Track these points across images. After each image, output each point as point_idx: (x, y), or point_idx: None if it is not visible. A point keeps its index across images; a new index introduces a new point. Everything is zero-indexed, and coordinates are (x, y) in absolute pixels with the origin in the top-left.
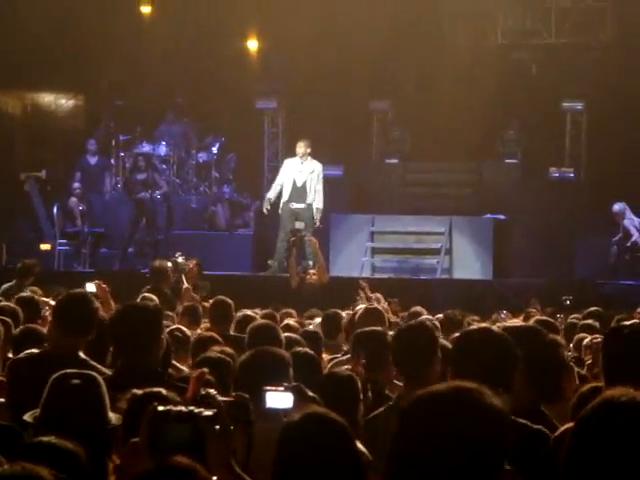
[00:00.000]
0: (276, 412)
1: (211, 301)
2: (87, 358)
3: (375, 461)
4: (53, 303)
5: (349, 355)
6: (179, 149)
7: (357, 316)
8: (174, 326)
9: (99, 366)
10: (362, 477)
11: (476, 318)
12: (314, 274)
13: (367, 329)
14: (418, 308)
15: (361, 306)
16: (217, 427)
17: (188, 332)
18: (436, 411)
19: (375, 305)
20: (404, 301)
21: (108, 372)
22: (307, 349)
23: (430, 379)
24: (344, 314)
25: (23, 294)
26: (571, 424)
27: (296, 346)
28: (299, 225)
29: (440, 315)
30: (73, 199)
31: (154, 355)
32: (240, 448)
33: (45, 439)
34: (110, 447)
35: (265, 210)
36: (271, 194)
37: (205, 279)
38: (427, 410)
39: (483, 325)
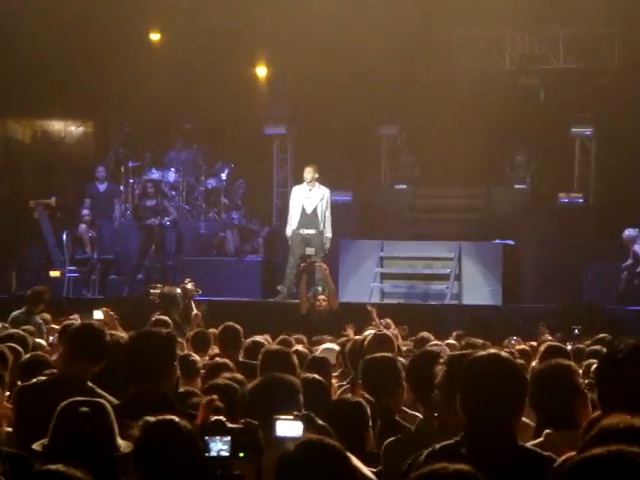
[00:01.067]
0: (286, 440)
1: (220, 327)
2: (94, 386)
3: None
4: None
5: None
6: (188, 175)
7: (366, 342)
8: (184, 352)
9: (105, 394)
10: None
11: (490, 346)
12: (324, 300)
13: (376, 355)
14: (425, 334)
15: (370, 331)
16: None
17: (198, 358)
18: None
19: (384, 331)
20: (413, 326)
21: (114, 400)
22: (315, 375)
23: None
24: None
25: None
26: (571, 453)
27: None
28: (309, 251)
29: (451, 340)
30: (83, 226)
31: (167, 382)
32: (250, 475)
33: (53, 467)
34: (119, 475)
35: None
36: (289, 230)
37: (209, 305)
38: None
39: (492, 350)
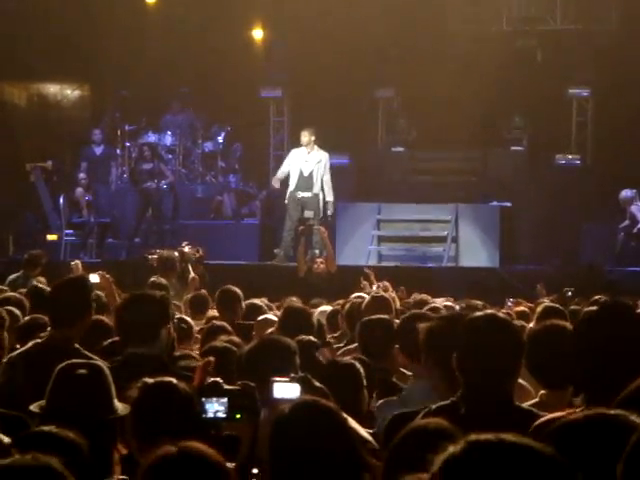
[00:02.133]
0: (283, 402)
1: (219, 290)
2: (80, 348)
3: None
4: None
5: (355, 344)
6: (185, 139)
7: (364, 304)
8: (178, 316)
9: (92, 356)
10: (359, 462)
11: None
12: (322, 263)
13: (373, 317)
14: (423, 296)
15: (362, 294)
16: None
17: (192, 322)
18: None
19: (382, 293)
20: (410, 289)
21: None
22: (311, 337)
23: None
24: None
25: (9, 294)
26: (556, 414)
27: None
28: (308, 214)
29: (449, 303)
30: (79, 189)
31: (161, 344)
32: (247, 436)
33: (46, 429)
34: (116, 437)
35: (276, 185)
36: (279, 174)
37: (207, 268)
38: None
39: (488, 311)
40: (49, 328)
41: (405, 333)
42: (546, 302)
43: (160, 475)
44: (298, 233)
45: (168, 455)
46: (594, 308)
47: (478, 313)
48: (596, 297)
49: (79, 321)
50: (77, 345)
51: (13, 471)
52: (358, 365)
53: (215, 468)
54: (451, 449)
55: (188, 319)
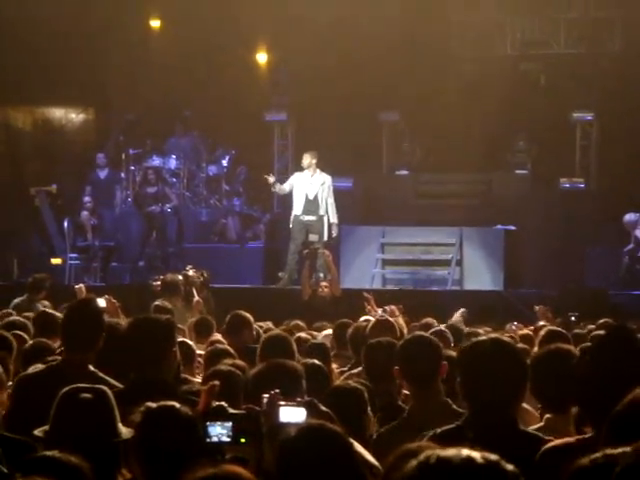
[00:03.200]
0: (289, 426)
1: (229, 315)
2: (96, 370)
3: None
4: None
5: (360, 368)
6: (189, 162)
7: (368, 328)
8: (180, 339)
9: (108, 378)
10: None
11: (488, 329)
12: (326, 286)
13: (377, 340)
14: (429, 319)
15: (369, 317)
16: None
17: (194, 346)
18: None
19: (386, 317)
20: (415, 312)
21: (117, 384)
22: (315, 360)
23: (436, 390)
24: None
25: (13, 318)
26: (563, 440)
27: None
28: (313, 237)
29: (458, 317)
30: (84, 213)
31: (167, 368)
32: (251, 460)
33: (49, 453)
34: (120, 461)
35: (271, 179)
36: (282, 187)
37: (211, 291)
38: None
39: (493, 335)
40: (58, 351)
41: (405, 356)
42: (548, 326)
43: None
44: (303, 256)
45: (210, 476)
46: (601, 332)
47: (482, 337)
48: (601, 321)
49: (94, 345)
50: (92, 368)
51: None
52: (362, 389)
53: None
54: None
55: (190, 343)
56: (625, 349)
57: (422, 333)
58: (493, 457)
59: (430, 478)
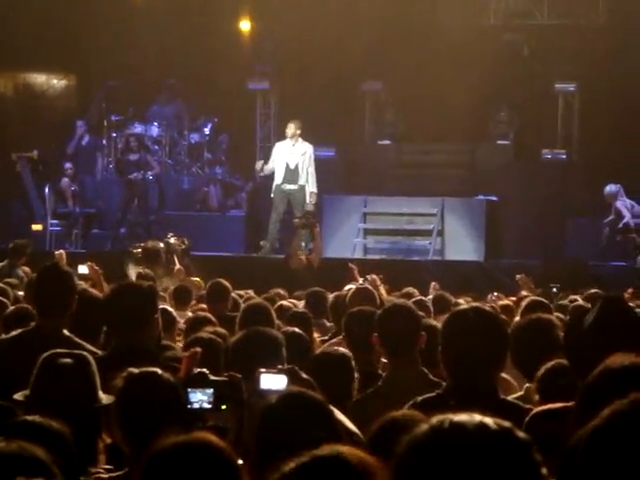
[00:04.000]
0: (270, 393)
1: (208, 283)
2: (71, 335)
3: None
4: None
5: (340, 337)
6: (171, 130)
7: (348, 296)
8: (161, 307)
9: (85, 344)
10: None
11: (469, 299)
12: (307, 256)
13: (358, 309)
14: (410, 289)
15: (351, 286)
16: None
17: (174, 313)
18: None
19: (366, 285)
20: (396, 282)
21: (95, 350)
22: (296, 329)
23: (413, 359)
24: (331, 295)
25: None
26: (543, 407)
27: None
28: (310, 207)
29: (431, 294)
30: (65, 179)
31: (148, 335)
32: (232, 427)
33: (30, 418)
34: (100, 426)
35: (259, 174)
36: (265, 169)
37: (193, 259)
38: None
39: (474, 304)
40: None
41: (384, 324)
42: (530, 296)
43: (167, 466)
44: (296, 226)
45: (178, 444)
46: (588, 304)
47: (462, 306)
48: (591, 291)
49: (67, 309)
50: (67, 332)
51: None
52: (349, 355)
53: (228, 460)
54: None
55: (171, 310)
56: (623, 320)
57: (401, 301)
58: (506, 424)
59: (444, 442)
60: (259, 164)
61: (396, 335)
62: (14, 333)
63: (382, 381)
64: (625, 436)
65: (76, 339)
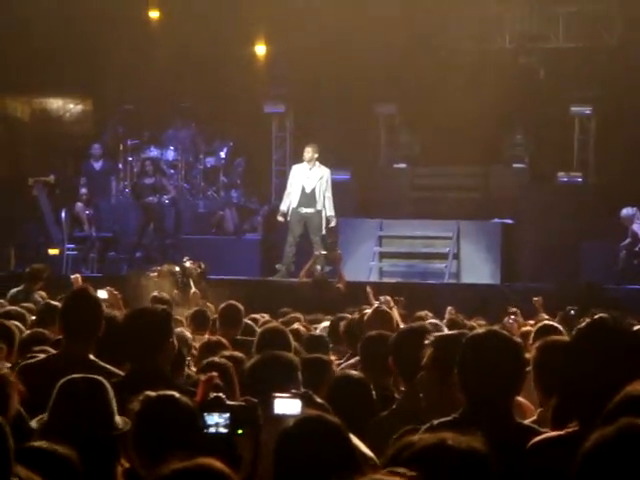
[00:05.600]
0: (284, 418)
1: (222, 305)
2: (96, 360)
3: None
4: None
5: (355, 358)
6: (187, 154)
7: (366, 318)
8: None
9: (109, 367)
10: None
11: (482, 322)
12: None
13: (375, 333)
14: (423, 313)
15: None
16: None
17: (190, 337)
18: None
19: (384, 307)
20: (411, 305)
21: (119, 372)
22: (321, 355)
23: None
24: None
25: (9, 308)
26: (551, 434)
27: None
28: (328, 235)
29: (446, 318)
30: (79, 204)
31: (163, 358)
32: (248, 452)
33: (36, 444)
34: (119, 452)
35: (281, 219)
36: (284, 206)
37: (209, 283)
38: None
39: (490, 328)
40: (54, 341)
41: (397, 347)
42: (546, 320)
43: None
44: (318, 256)
45: (179, 469)
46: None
47: (479, 330)
48: (596, 316)
49: (94, 334)
50: (92, 357)
51: None
52: (367, 378)
53: None
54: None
55: (187, 334)
56: (605, 341)
57: (415, 324)
58: None
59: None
60: (282, 212)
61: (407, 357)
62: (41, 357)
63: (396, 404)
64: (612, 459)
65: (101, 363)
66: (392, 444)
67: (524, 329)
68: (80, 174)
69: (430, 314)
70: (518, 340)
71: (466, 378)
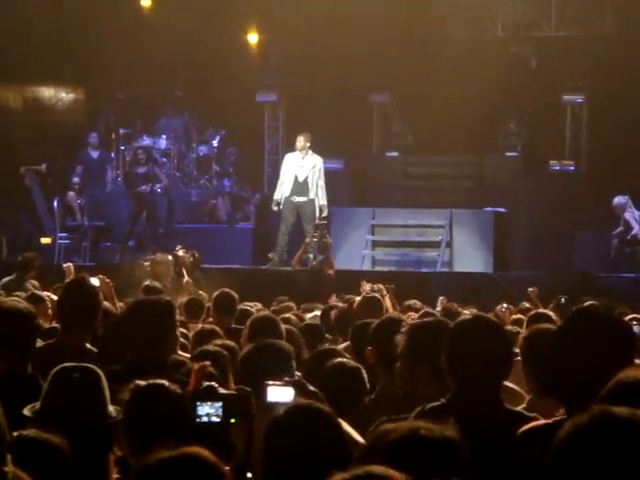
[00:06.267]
0: (277, 406)
1: (216, 293)
2: (92, 348)
3: None
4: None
5: (346, 343)
6: (179, 142)
7: (355, 305)
8: None
9: (105, 357)
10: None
11: (474, 310)
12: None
13: (366, 321)
14: (412, 301)
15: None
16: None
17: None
18: None
19: (373, 294)
20: (404, 294)
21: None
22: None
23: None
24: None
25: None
26: (539, 422)
27: (295, 339)
28: (320, 221)
29: (439, 308)
30: (71, 193)
31: (165, 349)
32: (241, 440)
33: (25, 433)
34: (112, 440)
35: (275, 208)
36: (277, 195)
37: (202, 272)
38: None
39: (477, 314)
40: (45, 330)
41: (377, 336)
42: (531, 308)
43: (155, 479)
44: (309, 244)
45: (165, 458)
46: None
47: (465, 316)
48: (586, 304)
49: (91, 324)
50: (89, 346)
51: None
52: (360, 367)
53: (214, 472)
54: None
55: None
56: (592, 329)
57: (395, 314)
58: None
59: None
60: (275, 201)
61: (385, 347)
62: (37, 346)
63: (375, 393)
64: (585, 448)
65: (96, 352)
66: (368, 435)
67: (514, 317)
68: (73, 163)
69: (419, 303)
70: (505, 326)
71: (453, 364)
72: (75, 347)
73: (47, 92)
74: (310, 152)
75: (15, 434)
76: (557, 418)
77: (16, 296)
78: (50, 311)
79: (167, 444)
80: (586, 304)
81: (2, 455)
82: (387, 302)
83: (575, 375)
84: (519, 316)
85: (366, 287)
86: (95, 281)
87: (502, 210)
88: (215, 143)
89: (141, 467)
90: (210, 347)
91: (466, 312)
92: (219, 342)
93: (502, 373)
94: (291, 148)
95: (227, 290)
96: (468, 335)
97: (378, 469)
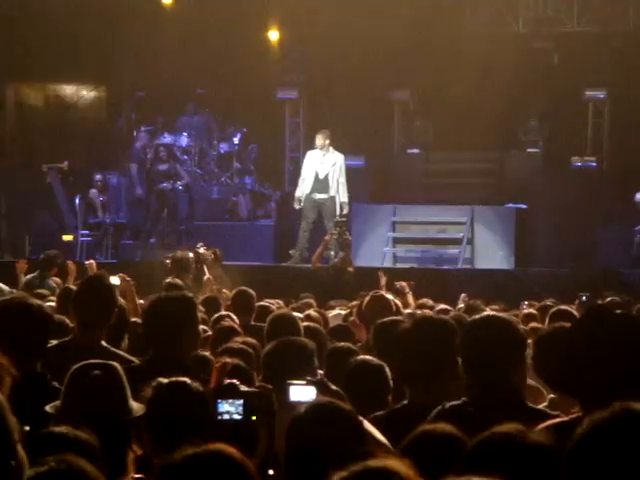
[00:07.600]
0: (299, 405)
1: (234, 292)
2: (108, 346)
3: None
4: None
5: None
6: (200, 140)
7: (364, 304)
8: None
9: (121, 352)
10: None
11: (495, 307)
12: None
13: (387, 320)
14: (424, 300)
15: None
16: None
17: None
18: None
19: (381, 292)
20: (425, 291)
21: (130, 358)
22: (350, 344)
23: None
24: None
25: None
26: (554, 420)
27: (318, 337)
28: (341, 218)
29: (460, 305)
30: (93, 190)
31: (186, 346)
32: (263, 439)
33: (57, 429)
34: (131, 437)
35: (297, 206)
36: (298, 192)
37: (224, 269)
38: None
39: (488, 313)
40: (73, 328)
41: (379, 335)
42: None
43: (181, 476)
44: (329, 241)
45: (191, 455)
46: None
47: (476, 315)
48: (608, 299)
49: (107, 320)
50: (104, 343)
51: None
52: (384, 365)
53: (240, 468)
54: None
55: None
56: (604, 328)
57: (393, 317)
58: None
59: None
60: (297, 198)
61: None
62: (52, 343)
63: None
64: (604, 443)
65: (112, 349)
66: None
67: (526, 311)
68: (94, 160)
69: (430, 301)
70: (517, 323)
71: (466, 361)
72: (90, 344)
73: (68, 90)
74: (331, 149)
75: (44, 430)
76: (573, 415)
77: (39, 293)
78: None
79: (191, 441)
80: (597, 304)
81: (9, 449)
82: (409, 299)
83: (590, 372)
84: (530, 311)
85: (382, 280)
86: (116, 280)
87: (523, 206)
88: (236, 140)
89: (167, 464)
90: (233, 344)
91: (487, 309)
92: (240, 339)
93: (515, 369)
94: (312, 145)
95: (244, 288)
96: (476, 332)
97: (375, 463)
